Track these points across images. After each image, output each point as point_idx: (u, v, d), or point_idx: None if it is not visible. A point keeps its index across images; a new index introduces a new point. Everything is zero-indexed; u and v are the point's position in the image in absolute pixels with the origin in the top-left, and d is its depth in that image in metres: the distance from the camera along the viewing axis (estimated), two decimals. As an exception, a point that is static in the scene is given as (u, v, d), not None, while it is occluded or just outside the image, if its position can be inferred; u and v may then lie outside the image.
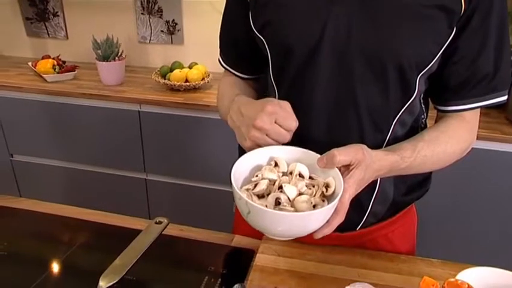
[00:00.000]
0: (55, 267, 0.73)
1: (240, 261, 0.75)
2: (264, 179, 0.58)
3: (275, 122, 0.59)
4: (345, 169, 0.57)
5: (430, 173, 0.79)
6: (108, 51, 1.79)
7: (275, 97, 0.73)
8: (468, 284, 0.51)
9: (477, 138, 1.41)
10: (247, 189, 0.57)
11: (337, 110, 0.66)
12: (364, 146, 0.59)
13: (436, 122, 0.74)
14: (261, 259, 0.73)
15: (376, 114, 0.67)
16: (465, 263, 0.67)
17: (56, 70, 1.89)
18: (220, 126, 1.61)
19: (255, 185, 0.57)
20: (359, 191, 0.58)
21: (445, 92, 0.70)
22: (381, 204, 0.74)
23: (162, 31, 2.10)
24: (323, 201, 0.56)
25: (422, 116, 0.74)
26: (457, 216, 1.60)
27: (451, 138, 0.69)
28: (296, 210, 0.55)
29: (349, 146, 0.58)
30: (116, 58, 1.82)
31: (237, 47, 0.79)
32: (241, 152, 0.79)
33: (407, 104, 0.67)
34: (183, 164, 1.80)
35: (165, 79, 1.81)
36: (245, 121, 0.60)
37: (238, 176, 0.58)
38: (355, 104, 0.65)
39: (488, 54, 0.65)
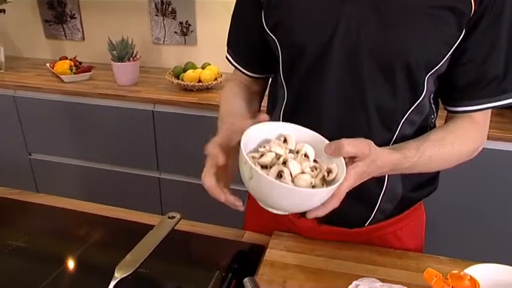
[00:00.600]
0: (73, 259, 0.76)
1: (250, 256, 0.77)
2: (271, 152, 0.58)
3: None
4: (350, 160, 0.58)
5: (438, 171, 0.80)
6: (123, 52, 1.83)
7: (284, 96, 0.74)
8: (471, 276, 0.52)
9: (490, 139, 1.41)
10: (253, 157, 0.59)
11: (346, 109, 0.67)
12: (372, 143, 0.60)
13: (445, 122, 0.75)
14: (271, 254, 0.75)
15: (385, 113, 0.67)
16: (473, 261, 0.67)
17: (73, 71, 1.94)
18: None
19: (261, 155, 0.58)
20: (358, 183, 0.59)
21: (454, 93, 0.70)
22: (390, 201, 0.75)
23: (175, 32, 2.13)
24: (322, 185, 0.58)
25: (432, 116, 0.75)
26: (468, 216, 1.59)
27: (459, 139, 0.69)
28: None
29: (358, 139, 0.58)
30: (131, 59, 1.86)
31: (249, 46, 0.80)
32: None
33: (416, 103, 0.68)
34: (195, 162, 1.80)
35: (178, 79, 1.84)
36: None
37: (247, 142, 0.59)
38: (364, 103, 0.66)
39: (498, 56, 0.65)
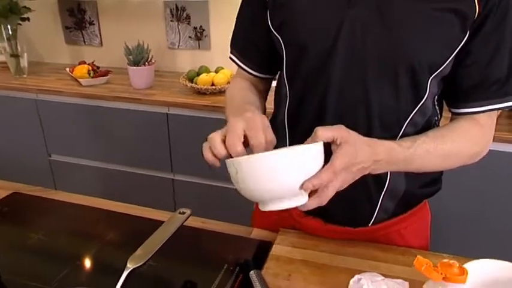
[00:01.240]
0: (88, 252, 0.80)
1: (257, 252, 0.79)
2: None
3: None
4: (336, 147, 0.58)
5: (441, 172, 0.80)
6: (138, 57, 1.88)
7: (287, 96, 0.76)
8: (460, 265, 0.54)
9: (499, 140, 1.39)
10: None
11: (348, 110, 0.69)
12: (346, 129, 0.59)
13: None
14: (277, 249, 0.78)
15: (388, 114, 0.69)
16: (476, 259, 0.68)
17: (91, 75, 2.01)
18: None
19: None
20: (355, 167, 0.58)
21: (458, 94, 0.71)
22: (391, 199, 0.76)
23: (190, 37, 2.18)
24: None
25: (436, 118, 0.75)
26: (475, 217, 1.57)
27: (460, 137, 0.69)
28: None
29: (331, 127, 0.58)
30: (146, 63, 1.92)
31: (255, 46, 0.81)
32: None
33: (419, 105, 0.69)
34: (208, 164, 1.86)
35: (192, 83, 1.88)
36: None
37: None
38: (367, 105, 0.68)
39: (502, 59, 0.66)
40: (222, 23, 2.09)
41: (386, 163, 0.63)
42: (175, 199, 2.00)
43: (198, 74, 1.92)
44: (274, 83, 0.87)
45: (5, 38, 2.08)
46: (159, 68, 2.19)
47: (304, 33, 0.68)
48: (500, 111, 0.73)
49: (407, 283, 0.63)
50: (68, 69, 2.14)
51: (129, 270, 0.65)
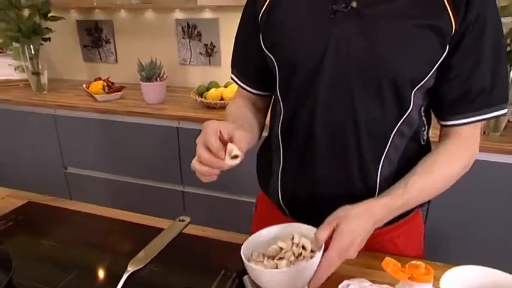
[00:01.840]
0: (94, 257, 0.84)
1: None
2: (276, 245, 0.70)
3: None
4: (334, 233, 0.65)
5: None
6: (150, 73, 1.96)
7: (281, 112, 0.80)
8: (426, 265, 0.56)
9: (503, 153, 1.39)
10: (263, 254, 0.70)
11: (337, 123, 0.72)
12: (343, 208, 0.66)
13: (439, 136, 0.78)
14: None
15: (374, 127, 0.72)
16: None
17: (106, 91, 2.09)
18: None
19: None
20: (361, 236, 0.65)
21: (442, 107, 0.74)
22: None
23: (200, 53, 2.26)
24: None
25: (423, 128, 0.78)
26: (472, 226, 1.57)
27: (446, 163, 0.73)
28: None
29: (327, 220, 0.66)
30: (158, 79, 1.99)
31: (252, 66, 0.85)
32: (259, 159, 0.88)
33: (404, 116, 0.72)
34: (219, 176, 1.89)
35: (202, 97, 1.94)
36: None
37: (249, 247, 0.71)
38: (353, 119, 0.71)
39: (483, 72, 0.68)
40: (232, 39, 2.12)
41: (387, 216, 0.69)
42: (185, 210, 2.05)
43: (208, 89, 1.98)
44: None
45: (28, 57, 2.20)
46: (171, 84, 2.27)
47: (293, 52, 0.73)
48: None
49: (393, 288, 0.65)
50: (84, 85, 2.23)
51: (129, 273, 0.69)
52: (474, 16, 0.65)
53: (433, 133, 0.82)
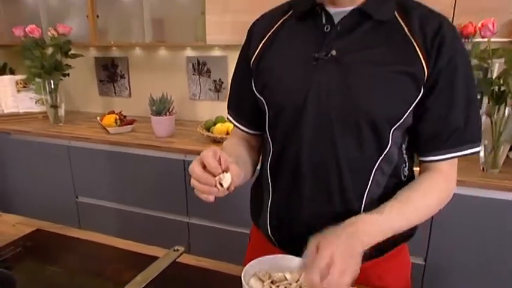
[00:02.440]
0: (95, 283, 0.89)
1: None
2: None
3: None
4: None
5: None
6: (160, 107, 2.05)
7: (270, 150, 0.85)
8: None
9: (503, 189, 1.41)
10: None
11: (319, 163, 0.77)
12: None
13: (419, 172, 0.82)
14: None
15: (356, 165, 0.76)
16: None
17: (117, 123, 2.19)
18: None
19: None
20: (338, 254, 0.63)
21: (420, 144, 0.78)
22: None
23: (210, 89, 2.36)
24: None
25: (404, 165, 0.82)
26: (473, 264, 1.55)
27: (425, 194, 0.76)
28: None
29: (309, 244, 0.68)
30: (168, 113, 2.08)
31: (246, 106, 0.91)
32: (254, 192, 0.93)
33: (383, 154, 0.76)
34: (222, 208, 1.94)
35: (208, 132, 2.02)
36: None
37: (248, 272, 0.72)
38: (336, 158, 0.76)
39: (457, 111, 0.73)
40: (239, 76, 2.24)
41: (372, 229, 0.70)
42: (190, 241, 2.08)
43: (215, 124, 2.05)
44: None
45: (48, 91, 2.34)
46: (180, 117, 2.36)
47: (281, 95, 0.79)
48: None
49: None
50: (98, 118, 2.34)
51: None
52: (445, 62, 0.71)
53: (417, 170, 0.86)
